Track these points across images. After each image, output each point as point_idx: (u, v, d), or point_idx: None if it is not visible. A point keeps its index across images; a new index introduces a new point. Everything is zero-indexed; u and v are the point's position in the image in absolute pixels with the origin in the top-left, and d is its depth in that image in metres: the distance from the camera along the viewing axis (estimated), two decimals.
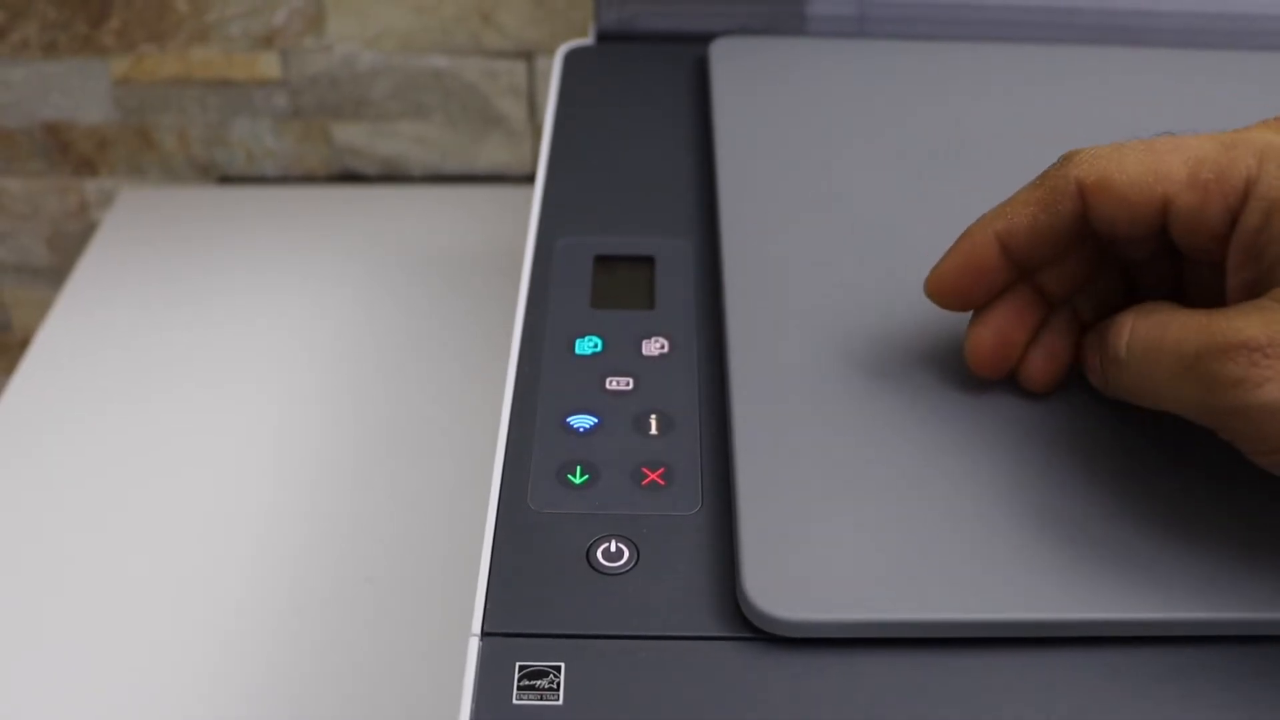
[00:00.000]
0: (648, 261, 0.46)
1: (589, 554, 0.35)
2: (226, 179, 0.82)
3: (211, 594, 0.54)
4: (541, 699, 0.32)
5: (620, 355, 0.42)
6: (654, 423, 0.39)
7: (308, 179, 0.82)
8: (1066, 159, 0.36)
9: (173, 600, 0.54)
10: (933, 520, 0.35)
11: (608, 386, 0.41)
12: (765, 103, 0.53)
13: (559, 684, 0.32)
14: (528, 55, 0.77)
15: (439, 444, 0.61)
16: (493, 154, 0.81)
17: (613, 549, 0.35)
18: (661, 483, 0.37)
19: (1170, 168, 0.34)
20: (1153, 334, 0.34)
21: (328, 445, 0.61)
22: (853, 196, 0.47)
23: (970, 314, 0.38)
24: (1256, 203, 0.33)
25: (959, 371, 0.39)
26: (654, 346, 0.42)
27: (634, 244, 0.47)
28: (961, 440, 0.37)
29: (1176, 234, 0.35)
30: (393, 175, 0.82)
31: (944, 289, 0.37)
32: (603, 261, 0.46)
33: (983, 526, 0.35)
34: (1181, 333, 0.33)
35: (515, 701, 0.32)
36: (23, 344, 0.84)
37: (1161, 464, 0.36)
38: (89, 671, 0.51)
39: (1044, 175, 0.36)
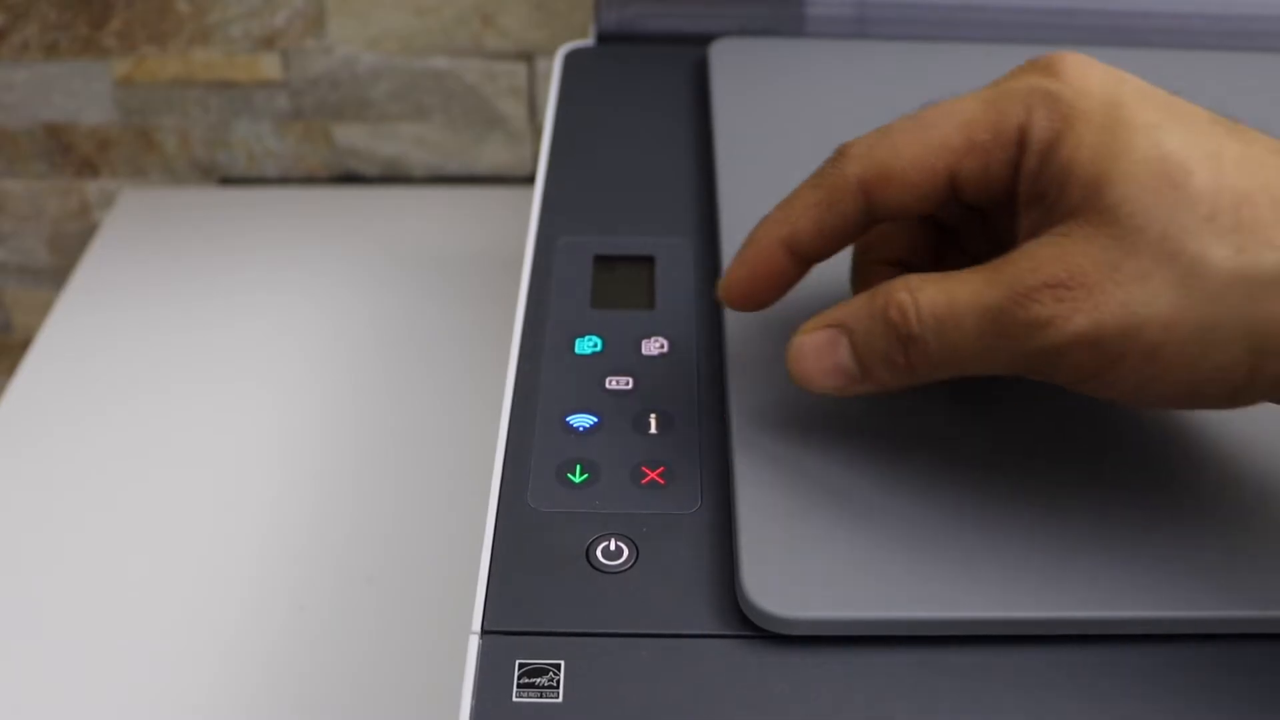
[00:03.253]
0: (648, 261, 0.46)
1: (589, 552, 0.35)
2: (228, 180, 0.82)
3: (213, 594, 0.54)
4: (541, 696, 0.32)
5: (620, 355, 0.42)
6: (653, 422, 0.40)
7: (309, 180, 0.83)
8: (841, 154, 0.36)
9: (174, 600, 0.54)
10: (929, 520, 0.35)
11: (607, 386, 0.41)
12: (765, 103, 0.53)
13: (559, 682, 0.32)
14: (528, 57, 0.78)
15: (439, 443, 0.61)
16: (493, 155, 0.81)
17: (612, 547, 0.36)
18: (661, 482, 0.38)
19: (946, 138, 0.34)
20: (940, 302, 0.33)
21: (329, 445, 0.61)
22: None
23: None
24: (1032, 148, 0.33)
25: None
26: (654, 346, 0.42)
27: (634, 244, 0.47)
28: (958, 441, 0.38)
29: (969, 199, 0.35)
30: (393, 176, 0.82)
31: (734, 296, 0.38)
32: (603, 261, 0.46)
33: (977, 526, 0.35)
34: (975, 293, 0.33)
35: (515, 699, 0.32)
36: (24, 345, 0.84)
37: (1146, 466, 0.36)
38: (90, 670, 0.51)
39: (821, 174, 0.36)
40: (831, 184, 0.35)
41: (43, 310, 0.80)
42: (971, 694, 0.32)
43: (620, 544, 0.36)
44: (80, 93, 0.79)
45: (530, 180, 0.76)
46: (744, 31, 0.58)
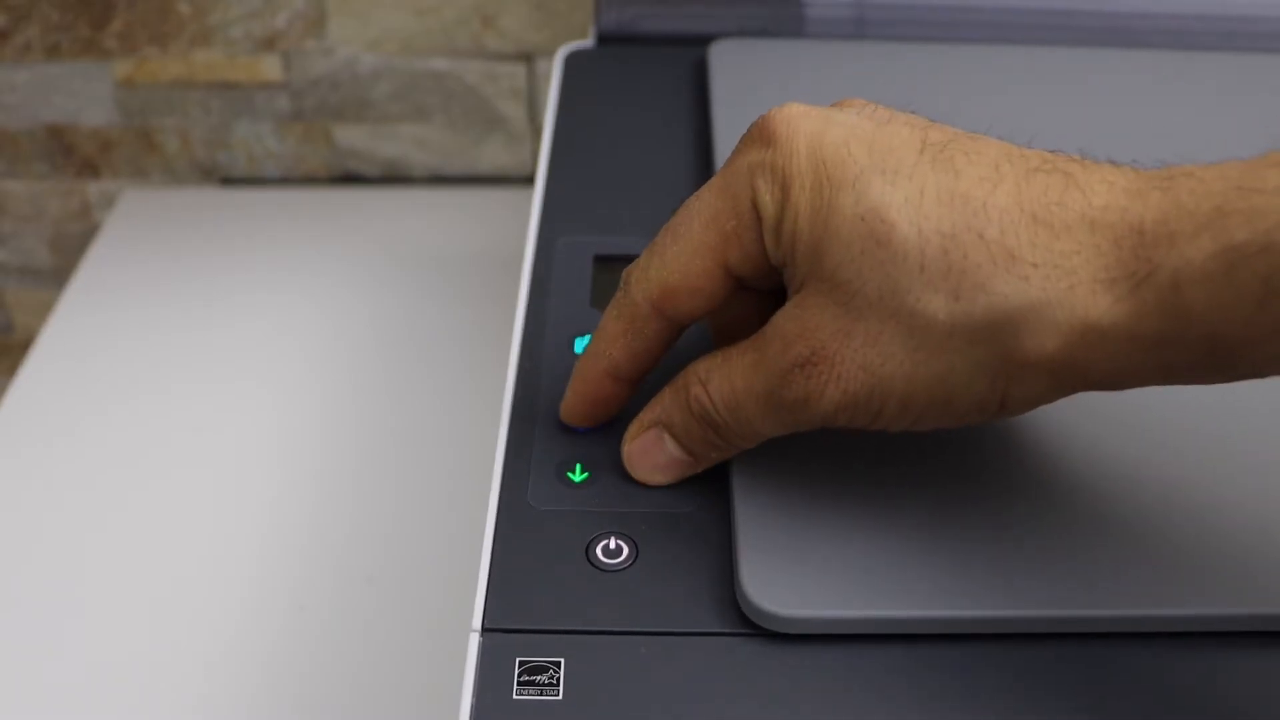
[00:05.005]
0: None
1: (588, 551, 0.36)
2: (228, 181, 0.83)
3: (213, 594, 0.54)
4: (541, 694, 0.32)
5: None
6: None
7: (309, 181, 0.83)
8: (625, 283, 0.37)
9: (176, 599, 0.54)
10: (924, 519, 0.35)
11: None
12: (764, 104, 0.53)
13: (559, 679, 0.32)
14: (528, 58, 0.78)
15: (439, 443, 0.61)
16: (493, 156, 0.82)
17: (612, 546, 0.36)
18: None
19: (703, 239, 0.35)
20: (726, 390, 0.35)
21: (329, 445, 0.61)
22: None
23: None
24: (766, 223, 0.34)
25: None
26: None
27: (634, 244, 0.47)
28: (953, 443, 0.38)
29: (752, 279, 0.36)
30: (394, 177, 0.83)
31: (576, 420, 0.39)
32: (603, 261, 0.46)
33: (972, 526, 0.35)
34: (748, 380, 0.34)
35: (515, 697, 0.32)
36: (25, 345, 0.84)
37: (1137, 468, 0.37)
38: (92, 670, 0.51)
39: (617, 303, 0.37)
40: (629, 313, 0.37)
41: (44, 311, 0.80)
42: (965, 690, 0.32)
43: (620, 542, 0.36)
44: (81, 94, 0.79)
45: (530, 181, 0.76)
46: (743, 32, 0.59)
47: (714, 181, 0.36)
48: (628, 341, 0.37)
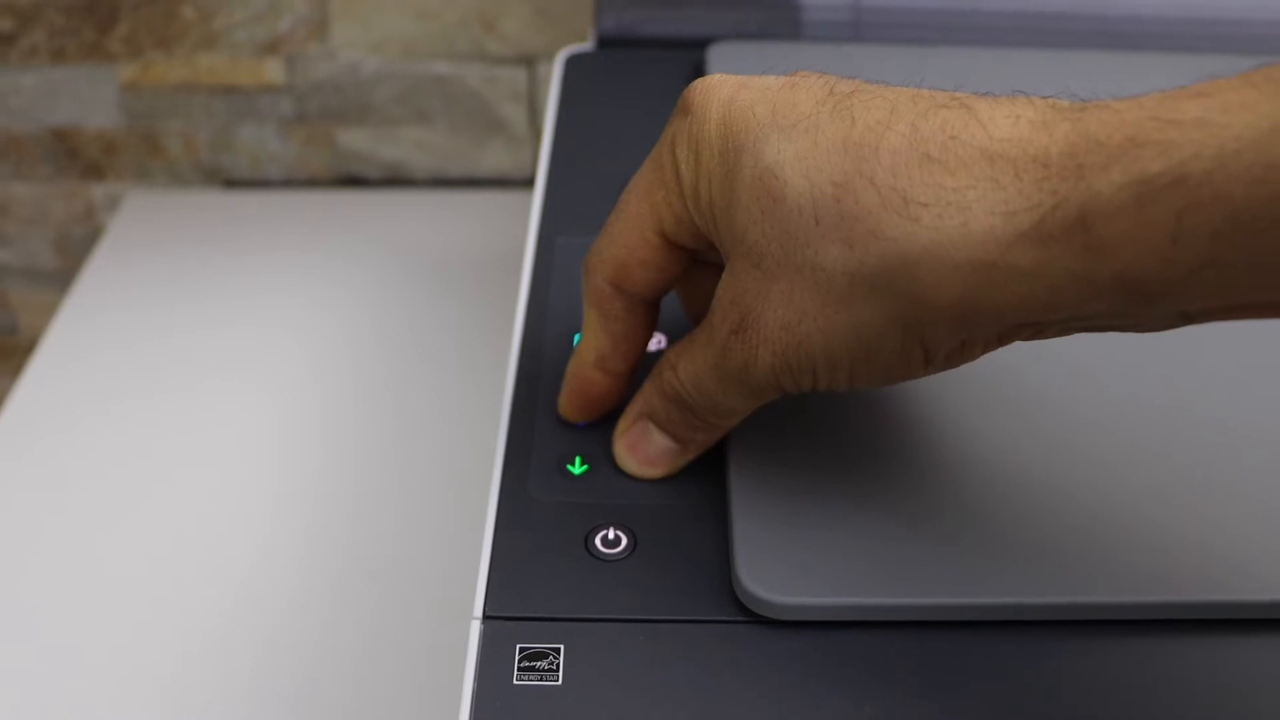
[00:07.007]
0: None
1: (587, 541, 0.36)
2: (232, 183, 0.83)
3: (217, 591, 0.55)
4: (541, 680, 0.33)
5: None
6: None
7: (312, 183, 0.83)
8: (584, 269, 0.37)
9: (179, 598, 0.54)
10: (918, 508, 0.36)
11: None
12: None
13: (559, 665, 0.33)
14: (529, 61, 0.78)
15: (441, 444, 0.62)
16: (494, 159, 0.82)
17: (610, 536, 0.36)
18: None
19: (638, 211, 0.36)
20: (691, 370, 0.35)
21: (331, 446, 0.62)
22: None
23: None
24: (686, 192, 0.34)
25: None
26: (653, 342, 0.43)
27: None
28: (946, 431, 0.38)
29: (702, 254, 0.36)
30: (396, 179, 0.83)
31: (573, 415, 0.40)
32: None
33: (965, 514, 0.36)
34: (703, 354, 0.35)
35: (516, 682, 0.33)
36: (30, 347, 0.85)
37: (1131, 452, 0.37)
38: (92, 670, 0.52)
39: (585, 293, 0.38)
40: (595, 297, 0.37)
41: (49, 312, 0.80)
42: (961, 677, 0.33)
43: (619, 533, 0.36)
44: (86, 97, 0.80)
45: (531, 183, 0.77)
46: (741, 35, 0.59)
47: (649, 156, 0.36)
48: (603, 327, 0.37)
